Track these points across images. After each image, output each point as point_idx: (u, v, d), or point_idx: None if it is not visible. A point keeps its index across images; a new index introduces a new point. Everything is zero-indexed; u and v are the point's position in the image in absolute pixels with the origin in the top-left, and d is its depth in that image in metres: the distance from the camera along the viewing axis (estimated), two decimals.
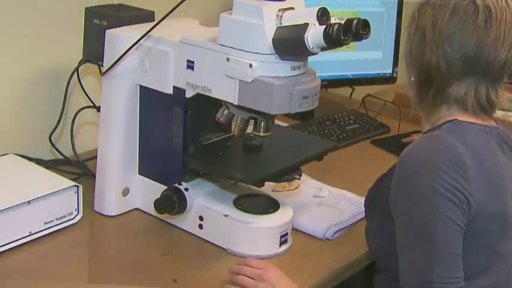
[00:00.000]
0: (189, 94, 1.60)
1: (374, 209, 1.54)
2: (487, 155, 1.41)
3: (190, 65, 1.56)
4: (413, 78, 1.49)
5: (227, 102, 1.53)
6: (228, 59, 1.48)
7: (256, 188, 1.68)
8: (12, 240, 1.56)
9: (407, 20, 1.52)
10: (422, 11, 1.45)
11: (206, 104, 1.59)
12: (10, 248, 1.56)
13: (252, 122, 1.58)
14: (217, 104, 1.57)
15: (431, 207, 1.32)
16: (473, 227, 1.36)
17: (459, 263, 1.34)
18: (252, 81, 1.45)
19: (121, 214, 1.75)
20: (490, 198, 1.37)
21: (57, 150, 1.94)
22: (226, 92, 1.50)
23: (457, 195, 1.33)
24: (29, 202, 1.58)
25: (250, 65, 1.44)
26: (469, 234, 1.36)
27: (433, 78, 1.43)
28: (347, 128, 2.36)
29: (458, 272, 1.34)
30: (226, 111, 1.56)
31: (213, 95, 1.54)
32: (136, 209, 1.78)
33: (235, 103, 1.49)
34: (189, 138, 1.64)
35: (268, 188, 1.76)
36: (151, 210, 1.70)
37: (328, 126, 2.33)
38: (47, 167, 1.83)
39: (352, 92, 2.72)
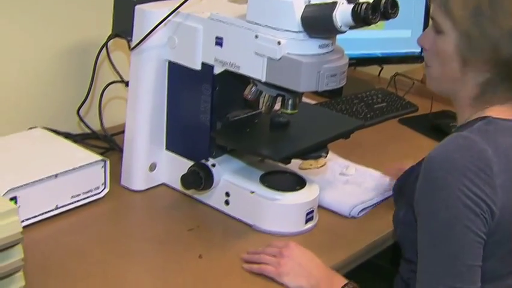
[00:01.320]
0: (217, 70, 1.59)
1: (401, 199, 1.53)
2: None
3: (219, 41, 1.55)
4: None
5: (255, 79, 1.52)
6: (256, 36, 1.47)
7: (282, 165, 1.68)
8: (39, 214, 1.58)
9: None
10: None
11: (234, 80, 1.58)
12: (37, 221, 1.57)
13: (279, 99, 1.58)
14: (245, 80, 1.57)
15: (452, 216, 1.29)
16: (497, 233, 1.33)
17: (476, 274, 1.31)
18: (280, 58, 1.44)
19: (147, 189, 1.76)
20: None
21: (86, 124, 1.95)
22: (254, 69, 1.50)
23: (479, 205, 1.29)
24: (56, 176, 1.59)
25: (279, 43, 1.44)
26: (492, 239, 1.32)
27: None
28: (375, 106, 2.34)
29: (474, 283, 1.30)
30: (254, 88, 1.56)
31: (241, 71, 1.53)
32: (163, 184, 1.79)
33: (263, 80, 1.49)
34: (217, 114, 1.64)
35: (294, 165, 1.76)
36: (178, 185, 1.71)
37: (356, 105, 2.32)
38: (74, 141, 1.84)
39: (381, 71, 2.70)
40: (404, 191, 1.51)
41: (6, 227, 1.17)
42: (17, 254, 1.20)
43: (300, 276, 1.43)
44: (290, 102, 1.55)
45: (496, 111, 1.39)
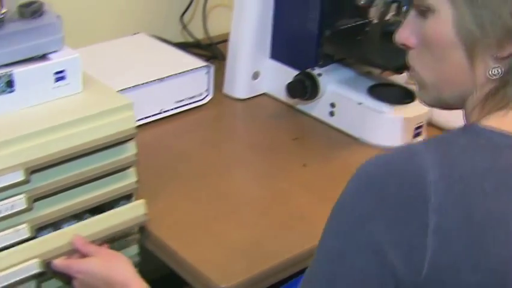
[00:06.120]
0: None
1: None
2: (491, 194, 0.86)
3: None
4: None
5: None
6: None
7: (391, 78, 1.63)
8: (144, 117, 1.58)
9: None
10: None
11: None
12: (142, 124, 1.58)
13: (393, 8, 1.52)
14: None
15: (335, 250, 0.90)
16: None
17: None
18: None
19: (249, 98, 1.75)
20: (472, 262, 0.85)
21: (188, 31, 1.93)
22: None
23: (383, 251, 0.86)
24: (161, 80, 1.59)
25: None
26: None
27: None
28: None
29: None
30: None
31: None
32: (265, 93, 1.76)
33: None
34: (325, 21, 1.59)
35: (401, 80, 1.70)
36: (281, 95, 1.68)
37: None
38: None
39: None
40: None
41: (122, 121, 1.17)
42: (131, 149, 1.21)
43: None
44: (405, 8, 1.49)
45: (501, 119, 0.91)
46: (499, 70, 0.89)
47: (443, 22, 0.90)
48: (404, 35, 0.96)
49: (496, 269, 0.85)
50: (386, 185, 0.86)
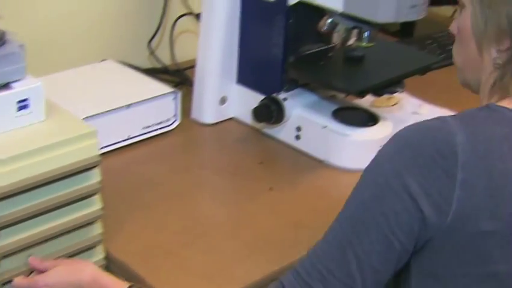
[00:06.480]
0: (292, 1, 1.56)
1: None
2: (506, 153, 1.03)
3: None
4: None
5: (331, 9, 1.49)
6: None
7: (355, 101, 1.66)
8: (111, 143, 1.59)
9: None
10: None
11: (308, 13, 1.55)
12: (110, 151, 1.59)
13: (354, 33, 1.55)
14: (319, 13, 1.53)
15: (372, 195, 1.05)
16: (451, 244, 1.03)
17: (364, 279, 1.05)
18: None
19: (217, 122, 1.76)
20: (490, 212, 1.02)
21: (156, 57, 1.95)
22: None
23: (416, 197, 1.01)
24: (128, 106, 1.60)
25: None
26: (443, 249, 1.04)
27: None
28: (448, 48, 2.28)
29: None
30: (329, 20, 1.53)
31: (317, 2, 1.50)
32: (232, 118, 1.78)
33: (340, 10, 1.46)
34: (289, 47, 1.62)
35: (366, 103, 1.73)
36: (248, 119, 1.70)
37: (428, 45, 2.26)
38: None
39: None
40: None
41: (85, 149, 1.17)
42: (95, 177, 1.21)
43: None
44: (366, 34, 1.52)
45: (509, 103, 1.08)
46: (500, 61, 1.07)
47: (466, 17, 1.10)
48: (453, 26, 1.17)
49: (511, 218, 1.01)
50: (422, 145, 1.01)
